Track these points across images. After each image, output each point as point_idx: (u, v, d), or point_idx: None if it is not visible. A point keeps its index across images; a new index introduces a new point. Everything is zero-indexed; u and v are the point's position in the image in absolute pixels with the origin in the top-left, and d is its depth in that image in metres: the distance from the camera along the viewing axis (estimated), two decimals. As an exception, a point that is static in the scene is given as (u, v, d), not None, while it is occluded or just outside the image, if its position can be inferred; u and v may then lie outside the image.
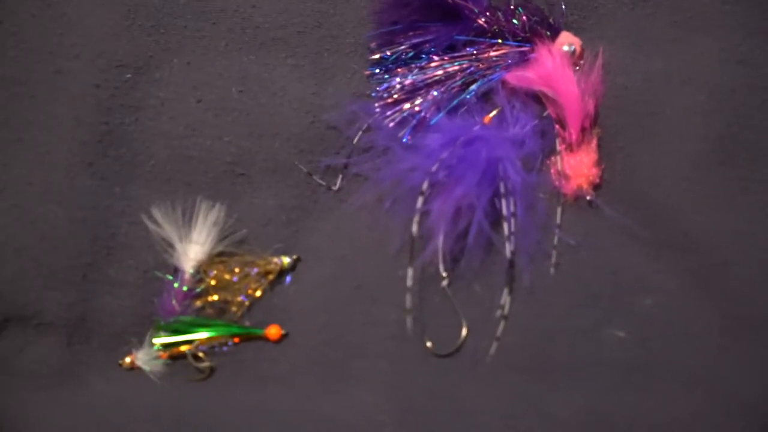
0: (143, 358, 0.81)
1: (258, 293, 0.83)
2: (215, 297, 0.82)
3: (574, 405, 0.78)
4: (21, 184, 0.85)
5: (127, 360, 0.82)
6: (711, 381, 0.78)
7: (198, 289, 0.82)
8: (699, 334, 0.80)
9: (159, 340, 0.82)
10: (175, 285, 0.82)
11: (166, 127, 0.87)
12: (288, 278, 0.84)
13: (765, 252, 0.81)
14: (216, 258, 0.83)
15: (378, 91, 0.88)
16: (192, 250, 0.82)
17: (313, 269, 0.84)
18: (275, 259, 0.83)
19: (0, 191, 0.85)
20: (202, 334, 0.81)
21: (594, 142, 0.85)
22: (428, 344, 0.80)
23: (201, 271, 0.82)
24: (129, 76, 0.88)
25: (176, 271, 0.83)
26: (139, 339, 0.83)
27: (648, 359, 0.79)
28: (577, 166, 0.84)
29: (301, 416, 0.80)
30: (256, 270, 0.82)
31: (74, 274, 0.83)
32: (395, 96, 0.87)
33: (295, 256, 0.84)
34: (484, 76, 0.87)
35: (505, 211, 0.82)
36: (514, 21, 0.87)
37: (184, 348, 0.81)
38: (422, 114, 0.87)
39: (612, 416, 0.78)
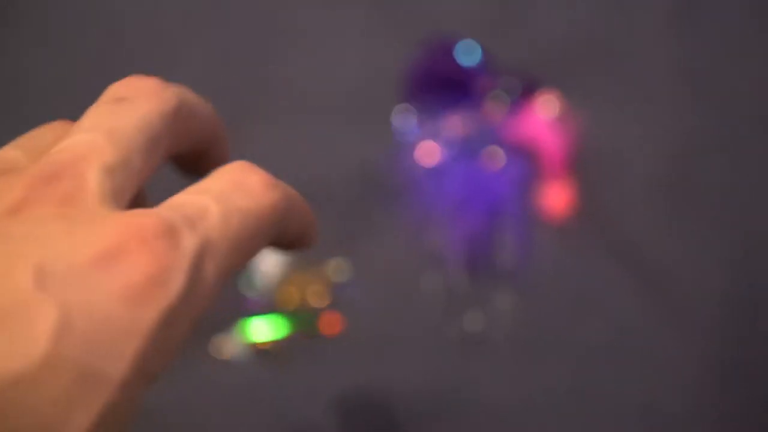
0: (230, 349, 0.91)
1: (321, 305, 0.94)
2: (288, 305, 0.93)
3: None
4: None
5: (219, 348, 0.91)
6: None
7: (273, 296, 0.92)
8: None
9: (243, 332, 0.91)
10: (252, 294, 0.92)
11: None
12: (346, 289, 0.95)
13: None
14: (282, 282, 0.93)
15: (404, 143, 1.01)
16: (265, 277, 0.93)
17: (365, 279, 0.96)
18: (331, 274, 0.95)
19: None
20: (279, 328, 0.91)
21: (571, 182, 0.99)
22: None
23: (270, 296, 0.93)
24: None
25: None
26: (226, 330, 0.91)
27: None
28: (556, 197, 0.98)
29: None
30: (315, 286, 0.94)
31: None
32: (418, 147, 0.98)
33: (349, 269, 0.95)
34: (484, 131, 1.01)
35: (504, 240, 0.97)
36: (507, 87, 1.01)
37: (265, 340, 0.91)
38: (439, 161, 1.00)
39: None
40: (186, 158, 0.47)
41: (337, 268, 0.96)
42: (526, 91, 1.03)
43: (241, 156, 1.00)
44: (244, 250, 0.40)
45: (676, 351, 0.92)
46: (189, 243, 0.36)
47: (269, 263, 0.93)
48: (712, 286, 0.94)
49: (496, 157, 1.01)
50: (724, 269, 0.95)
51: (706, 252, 0.96)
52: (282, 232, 0.43)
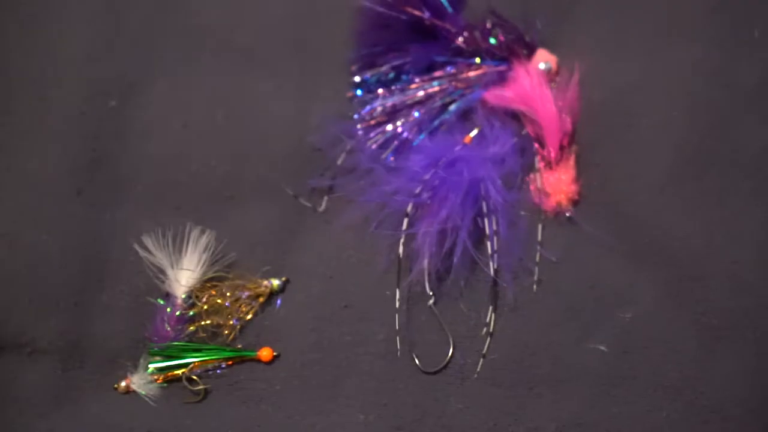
0: (138, 382, 0.82)
1: (249, 316, 0.83)
2: (208, 321, 0.83)
3: (558, 418, 0.80)
4: (11, 212, 0.86)
5: (123, 384, 0.82)
6: (690, 392, 0.79)
7: (190, 314, 0.83)
8: (677, 347, 0.81)
9: (154, 365, 0.82)
10: (168, 310, 0.82)
11: (152, 152, 0.89)
12: (278, 302, 0.84)
13: (738, 264, 0.83)
14: (207, 283, 0.83)
15: (360, 113, 0.89)
16: (184, 277, 0.82)
17: (301, 290, 0.85)
18: (265, 282, 0.84)
19: (-10, 220, 0.85)
20: (196, 358, 0.82)
21: (572, 159, 0.87)
22: (416, 362, 0.81)
23: (193, 296, 0.83)
24: (114, 102, 0.89)
25: (168, 296, 0.83)
26: (133, 363, 0.83)
27: (628, 371, 0.80)
28: (556, 183, 0.86)
29: (294, 436, 0.82)
30: (246, 293, 0.83)
31: (66, 300, 0.84)
32: (377, 117, 0.89)
33: (284, 278, 0.84)
34: (463, 95, 0.89)
35: (487, 230, 0.84)
36: (491, 40, 0.89)
37: (178, 371, 0.82)
38: (404, 135, 0.88)
39: (595, 427, 0.79)
40: None
41: (270, 272, 0.86)
42: (515, 40, 0.90)
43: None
44: None
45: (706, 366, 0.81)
46: None
47: (192, 261, 0.83)
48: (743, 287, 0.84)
49: (476, 129, 0.89)
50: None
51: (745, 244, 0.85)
52: None
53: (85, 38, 0.93)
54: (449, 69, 0.90)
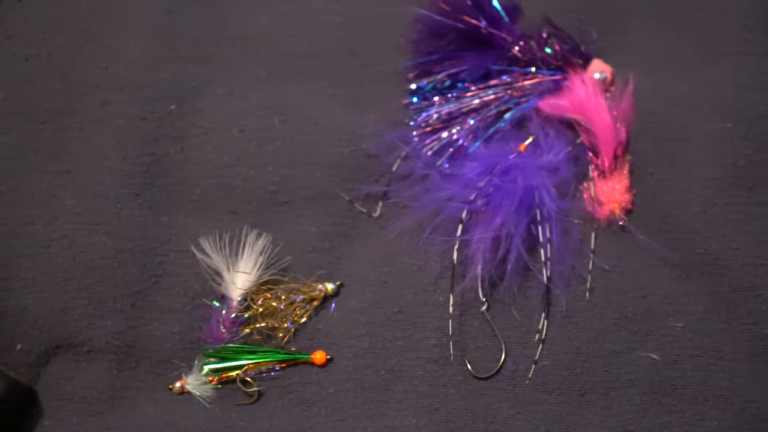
0: (193, 383, 0.82)
1: (303, 319, 0.84)
2: (262, 324, 0.83)
3: (608, 425, 0.80)
4: (70, 214, 0.86)
5: (177, 385, 0.82)
6: (740, 402, 0.79)
7: (245, 316, 0.83)
8: (728, 356, 0.80)
9: (209, 366, 0.82)
10: (223, 312, 0.83)
11: (210, 156, 0.89)
12: (332, 305, 0.84)
13: None
14: (262, 286, 0.84)
15: (416, 120, 0.90)
16: (239, 279, 0.83)
17: (355, 294, 0.85)
18: (319, 286, 0.84)
19: (49, 222, 0.86)
20: (250, 360, 0.82)
21: (626, 169, 0.86)
22: (468, 367, 0.81)
23: (248, 298, 0.83)
24: (173, 107, 0.90)
25: (223, 298, 0.84)
26: (188, 364, 0.83)
27: (679, 380, 0.80)
28: (610, 192, 0.86)
29: (346, 438, 0.82)
30: (301, 297, 0.83)
31: (123, 302, 0.84)
32: (433, 125, 0.89)
33: (338, 282, 0.85)
34: (518, 104, 0.89)
35: (541, 238, 0.84)
36: (547, 50, 0.89)
37: (233, 373, 0.82)
38: (459, 142, 0.89)
39: (645, 436, 0.80)
40: None
41: (324, 277, 0.87)
42: (570, 50, 0.91)
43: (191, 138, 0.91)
44: None
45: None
46: None
47: (248, 264, 0.84)
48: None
49: (530, 137, 0.89)
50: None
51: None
52: None
53: (145, 44, 0.94)
54: (505, 78, 0.90)
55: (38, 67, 0.93)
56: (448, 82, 0.91)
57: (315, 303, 0.84)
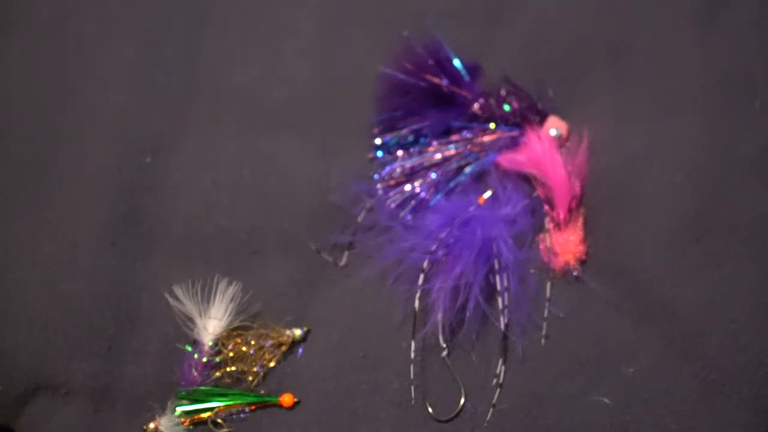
0: (166, 424, 0.84)
1: (272, 363, 0.86)
2: (233, 368, 0.85)
3: (563, 467, 0.82)
4: (48, 261, 0.89)
5: (151, 426, 0.84)
6: None
7: (216, 360, 0.85)
8: (678, 400, 0.82)
9: (181, 408, 0.84)
10: (195, 356, 0.85)
11: (183, 207, 0.92)
12: (300, 350, 0.87)
13: (735, 323, 0.84)
14: (233, 331, 0.86)
15: (380, 173, 0.92)
16: (211, 325, 0.85)
17: (322, 339, 0.87)
18: (287, 332, 0.86)
19: (29, 268, 0.89)
20: (221, 402, 0.84)
21: (580, 221, 0.89)
22: (429, 410, 0.83)
23: (219, 343, 0.85)
24: (148, 159, 0.93)
25: (196, 342, 0.85)
26: (161, 406, 0.85)
27: (630, 423, 0.82)
28: (565, 244, 0.88)
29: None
30: (270, 342, 0.86)
31: (99, 345, 0.86)
32: (396, 178, 0.92)
33: (305, 328, 0.87)
34: (478, 159, 0.92)
35: (499, 286, 0.86)
36: (505, 107, 0.92)
37: (204, 415, 0.84)
38: (422, 195, 0.91)
39: (600, 478, 0.81)
40: None
41: (292, 322, 0.88)
42: (528, 107, 0.93)
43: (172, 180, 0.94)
44: None
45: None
46: None
47: (219, 311, 0.86)
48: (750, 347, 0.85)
49: (489, 190, 0.92)
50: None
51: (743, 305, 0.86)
52: None
53: (122, 96, 0.96)
54: (465, 133, 0.92)
55: (19, 118, 0.96)
56: (411, 137, 0.93)
57: (283, 348, 0.86)
